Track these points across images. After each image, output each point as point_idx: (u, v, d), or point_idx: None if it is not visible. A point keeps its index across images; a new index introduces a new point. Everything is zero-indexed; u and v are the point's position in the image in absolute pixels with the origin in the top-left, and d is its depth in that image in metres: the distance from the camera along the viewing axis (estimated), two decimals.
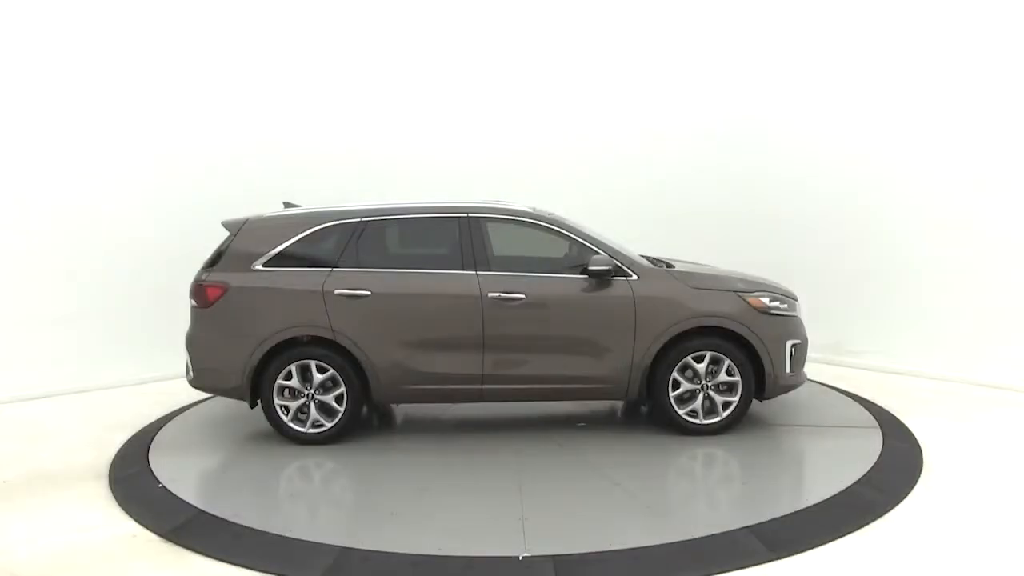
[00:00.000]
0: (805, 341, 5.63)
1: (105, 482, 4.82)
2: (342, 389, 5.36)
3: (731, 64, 8.61)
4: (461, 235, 5.44)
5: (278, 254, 5.45)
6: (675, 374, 5.36)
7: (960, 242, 7.01)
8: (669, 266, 5.82)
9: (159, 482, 4.72)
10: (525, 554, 3.70)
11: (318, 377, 5.36)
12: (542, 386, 5.43)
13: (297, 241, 5.47)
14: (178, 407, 6.42)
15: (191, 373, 5.64)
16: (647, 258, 5.94)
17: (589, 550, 3.72)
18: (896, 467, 4.81)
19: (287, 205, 5.93)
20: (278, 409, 5.40)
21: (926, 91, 7.20)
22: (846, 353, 7.64)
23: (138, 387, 7.16)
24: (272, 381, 5.36)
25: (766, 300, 5.44)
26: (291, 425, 5.41)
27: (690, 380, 5.38)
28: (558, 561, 3.62)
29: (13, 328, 6.78)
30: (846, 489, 4.41)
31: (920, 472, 4.73)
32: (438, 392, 5.48)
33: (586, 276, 5.35)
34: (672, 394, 5.38)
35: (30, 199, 6.88)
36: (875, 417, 5.81)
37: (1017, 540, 3.84)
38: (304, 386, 5.39)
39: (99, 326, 7.20)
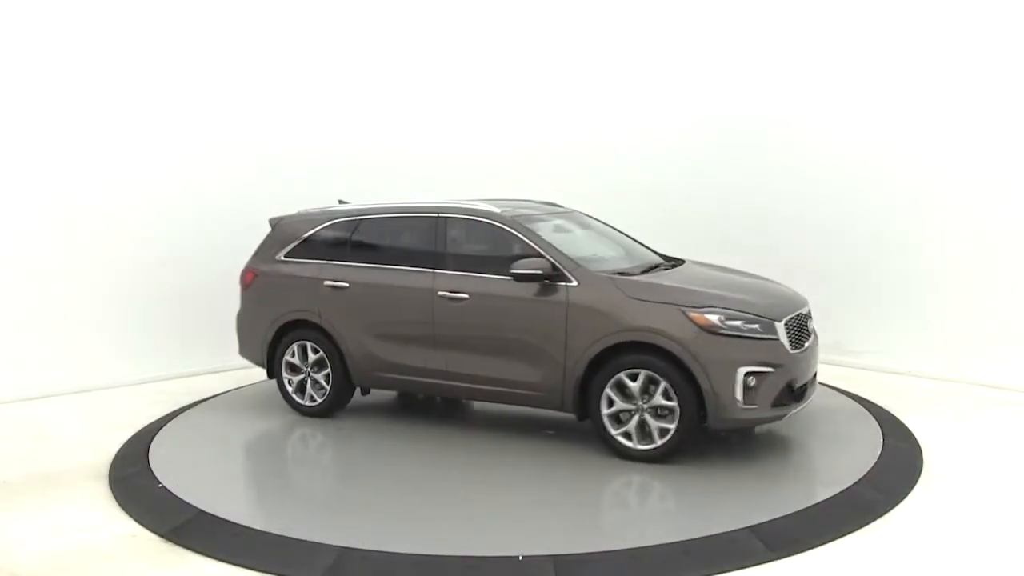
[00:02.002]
0: (779, 370, 4.75)
1: (105, 482, 4.82)
2: (328, 369, 5.95)
3: (733, 64, 8.60)
4: (428, 234, 5.68)
5: (296, 246, 6.21)
6: (609, 391, 4.89)
7: (960, 242, 7.00)
8: (676, 265, 5.70)
9: (159, 482, 4.72)
10: (525, 554, 3.70)
11: (312, 357, 6.02)
12: (485, 387, 5.41)
13: (310, 235, 6.18)
14: (178, 407, 6.42)
15: (238, 345, 6.53)
16: (664, 257, 5.89)
17: (589, 550, 3.72)
18: (896, 467, 4.81)
19: (341, 203, 6.42)
20: (284, 381, 6.15)
21: (926, 92, 7.18)
22: (846, 353, 7.64)
23: (138, 387, 7.15)
24: (281, 357, 6.13)
25: (714, 317, 4.72)
26: (293, 396, 6.15)
27: (625, 399, 4.89)
28: (558, 561, 3.62)
29: (13, 328, 6.77)
30: (846, 489, 4.41)
31: (920, 472, 4.73)
32: (401, 382, 5.83)
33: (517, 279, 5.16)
34: (605, 412, 4.94)
35: (30, 199, 6.86)
36: (875, 417, 5.80)
37: (1017, 540, 3.84)
38: (303, 364, 6.05)
39: (99, 326, 7.19)
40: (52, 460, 5.26)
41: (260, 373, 7.41)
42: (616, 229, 6.33)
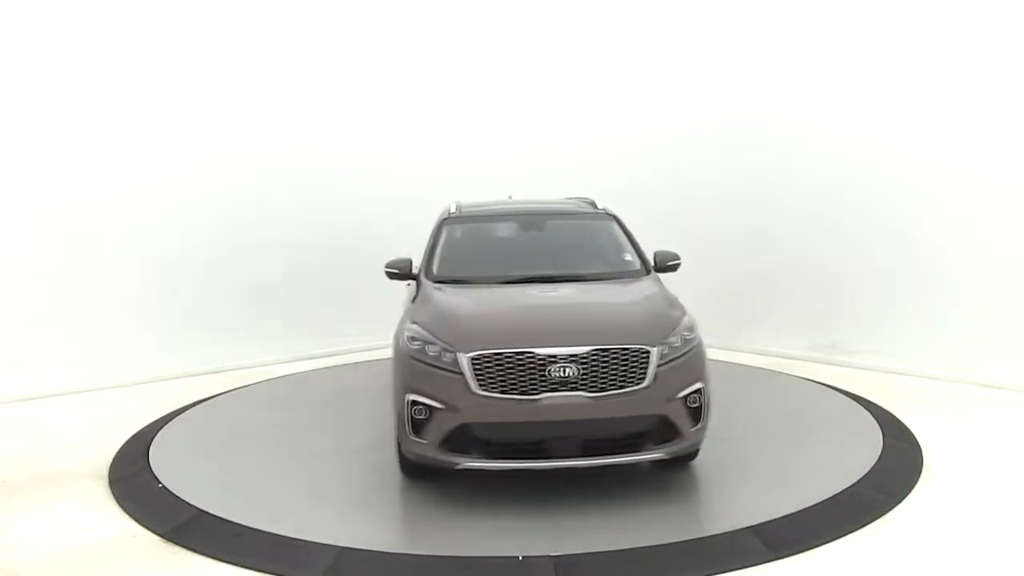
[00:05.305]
0: (449, 411, 4.15)
1: (105, 482, 4.82)
2: None
3: (733, 65, 8.61)
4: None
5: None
6: None
7: (960, 241, 7.00)
8: (613, 280, 5.29)
9: (159, 482, 4.72)
10: (525, 554, 3.70)
11: None
12: None
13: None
14: (178, 407, 6.41)
15: None
16: (648, 269, 5.50)
17: (589, 550, 3.72)
18: (896, 467, 4.81)
19: (509, 198, 6.69)
20: None
21: (927, 92, 7.19)
22: (845, 353, 7.64)
23: (138, 387, 7.15)
24: None
25: (406, 336, 4.59)
26: None
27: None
28: (558, 561, 3.63)
29: (14, 328, 6.78)
30: (846, 489, 4.41)
31: (920, 472, 4.73)
32: None
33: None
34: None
35: (31, 199, 6.87)
36: (875, 417, 5.80)
37: (1017, 540, 3.84)
38: None
39: (100, 326, 7.19)
40: (52, 460, 5.26)
41: (258, 374, 7.39)
42: (628, 235, 5.82)
